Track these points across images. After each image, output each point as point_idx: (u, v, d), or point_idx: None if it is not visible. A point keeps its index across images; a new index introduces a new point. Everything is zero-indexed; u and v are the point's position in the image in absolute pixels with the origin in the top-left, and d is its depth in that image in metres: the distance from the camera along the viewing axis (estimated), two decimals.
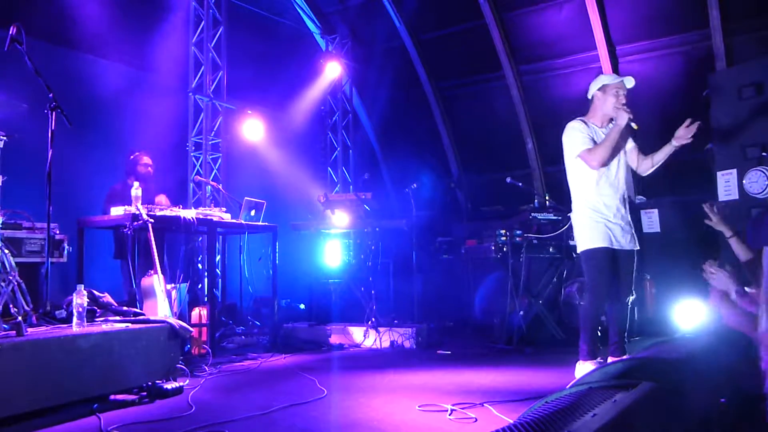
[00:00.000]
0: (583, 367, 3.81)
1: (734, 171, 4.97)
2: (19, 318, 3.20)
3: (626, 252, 3.88)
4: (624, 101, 3.91)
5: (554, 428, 1.07)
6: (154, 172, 5.78)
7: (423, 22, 8.50)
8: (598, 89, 3.99)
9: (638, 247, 3.95)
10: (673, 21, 6.91)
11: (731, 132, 5.04)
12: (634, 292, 3.94)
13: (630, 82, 3.97)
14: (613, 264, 3.84)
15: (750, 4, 6.33)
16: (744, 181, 4.87)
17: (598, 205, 3.89)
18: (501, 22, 7.87)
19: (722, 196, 5.05)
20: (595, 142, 3.91)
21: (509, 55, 8.00)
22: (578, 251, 3.98)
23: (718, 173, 5.10)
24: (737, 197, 4.92)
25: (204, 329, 5.12)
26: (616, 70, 7.34)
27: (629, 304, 3.94)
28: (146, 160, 5.73)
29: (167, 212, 4.80)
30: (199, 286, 6.42)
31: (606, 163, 3.85)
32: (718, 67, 6.51)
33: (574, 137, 3.92)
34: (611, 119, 3.96)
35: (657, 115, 7.29)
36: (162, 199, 5.54)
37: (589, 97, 4.07)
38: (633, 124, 3.80)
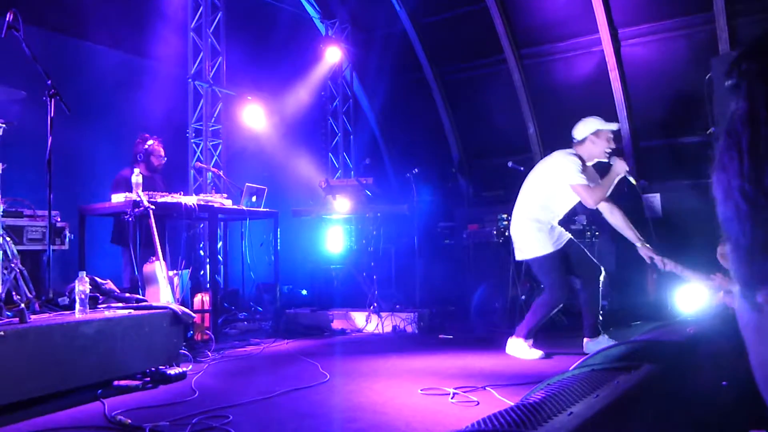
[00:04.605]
0: (517, 342, 4.27)
1: None
2: (22, 305, 3.21)
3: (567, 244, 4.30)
4: (614, 146, 4.26)
5: (557, 409, 1.07)
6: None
7: (423, 6, 8.43)
8: (592, 134, 4.24)
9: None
10: (676, 3, 6.85)
11: None
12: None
13: (616, 126, 4.31)
14: (565, 260, 4.27)
15: None
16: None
17: (551, 219, 4.31)
18: (502, 5, 7.80)
19: None
20: None
21: (510, 38, 7.94)
22: (531, 257, 4.32)
23: None
24: None
25: (206, 315, 5.14)
26: (618, 54, 7.29)
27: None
28: (161, 151, 5.56)
29: (168, 199, 4.80)
30: (201, 272, 6.43)
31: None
32: (721, 50, 6.45)
33: (574, 168, 4.19)
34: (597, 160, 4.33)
35: (659, 100, 7.26)
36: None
37: (579, 138, 4.30)
38: (631, 179, 4.22)
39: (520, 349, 4.26)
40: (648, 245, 4.05)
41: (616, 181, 4.18)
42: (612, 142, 4.25)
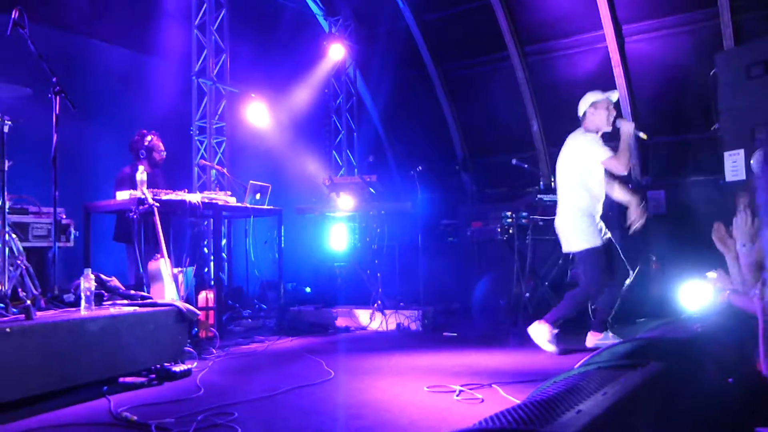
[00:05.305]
0: (542, 328, 4.30)
1: (741, 151, 4.92)
2: (28, 302, 3.22)
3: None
4: (614, 113, 4.39)
5: (563, 407, 1.07)
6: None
7: (426, 3, 8.41)
8: (590, 106, 4.42)
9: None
10: None
11: (738, 112, 4.99)
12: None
13: (615, 96, 4.47)
14: (608, 255, 4.35)
15: None
16: (751, 162, 4.82)
17: (597, 206, 4.41)
18: (505, 2, 7.78)
19: (729, 176, 5.02)
20: None
21: (514, 35, 7.92)
22: (579, 249, 4.37)
23: (725, 153, 5.06)
24: (744, 178, 4.88)
25: (211, 312, 5.15)
26: (622, 50, 7.26)
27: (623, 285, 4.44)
28: (161, 145, 5.55)
29: (173, 196, 4.81)
30: (206, 269, 6.43)
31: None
32: (725, 46, 6.42)
33: (597, 145, 4.33)
34: (605, 132, 4.45)
35: (663, 96, 7.23)
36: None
37: (581, 114, 4.49)
38: (642, 135, 4.29)
39: (540, 336, 4.32)
40: None
41: (631, 141, 4.28)
42: (612, 110, 4.40)
